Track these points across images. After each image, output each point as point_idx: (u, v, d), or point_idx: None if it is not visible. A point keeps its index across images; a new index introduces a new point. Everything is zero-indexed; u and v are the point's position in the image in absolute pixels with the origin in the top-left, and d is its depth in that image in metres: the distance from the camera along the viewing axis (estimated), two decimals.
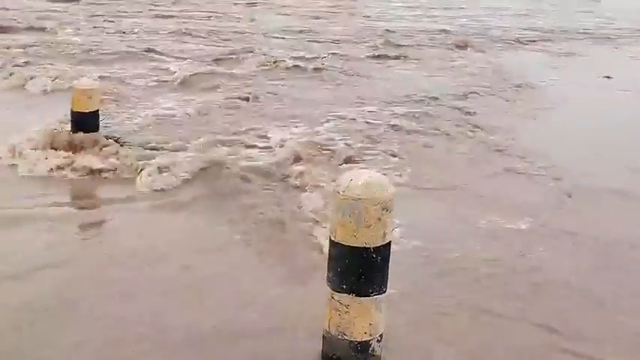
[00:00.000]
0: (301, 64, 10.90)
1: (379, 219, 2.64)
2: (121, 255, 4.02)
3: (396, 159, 6.22)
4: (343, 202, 2.67)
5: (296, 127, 7.12)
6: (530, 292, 3.78)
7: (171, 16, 16.41)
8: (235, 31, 14.54)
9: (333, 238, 2.74)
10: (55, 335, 3.09)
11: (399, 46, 13.34)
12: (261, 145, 6.44)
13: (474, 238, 4.48)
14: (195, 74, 9.80)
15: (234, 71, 10.24)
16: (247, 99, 8.44)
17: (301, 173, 5.49)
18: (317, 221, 4.51)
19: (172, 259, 3.99)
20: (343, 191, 2.67)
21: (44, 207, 4.76)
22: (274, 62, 10.94)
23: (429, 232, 4.52)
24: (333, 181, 3.54)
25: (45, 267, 3.78)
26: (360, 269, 2.70)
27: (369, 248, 2.67)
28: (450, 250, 4.25)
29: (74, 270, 3.79)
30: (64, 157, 5.53)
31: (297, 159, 5.90)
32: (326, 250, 2.92)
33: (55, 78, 8.90)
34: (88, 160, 5.49)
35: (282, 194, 5.15)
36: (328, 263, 2.81)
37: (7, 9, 15.96)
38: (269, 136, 6.71)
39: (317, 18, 17.62)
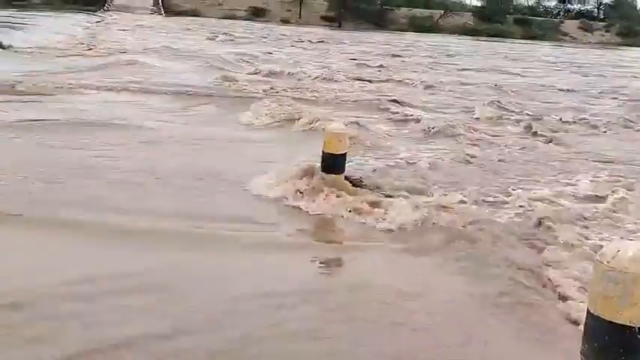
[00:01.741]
0: None
1: None
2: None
3: None
4: (607, 273, 2.50)
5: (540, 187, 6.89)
6: None
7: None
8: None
9: (592, 311, 2.58)
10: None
11: None
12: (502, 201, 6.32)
13: None
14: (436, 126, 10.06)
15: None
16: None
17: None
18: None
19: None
20: (608, 262, 2.51)
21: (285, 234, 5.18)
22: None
23: None
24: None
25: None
26: (621, 349, 2.50)
27: (634, 328, 2.47)
28: None
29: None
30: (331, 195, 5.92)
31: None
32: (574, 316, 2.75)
33: (315, 121, 9.70)
34: (335, 198, 5.84)
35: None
36: (584, 336, 2.65)
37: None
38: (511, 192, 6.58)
39: None
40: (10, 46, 18.89)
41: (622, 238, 5.21)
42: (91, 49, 20.76)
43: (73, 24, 32.49)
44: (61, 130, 8.25)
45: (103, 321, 3.51)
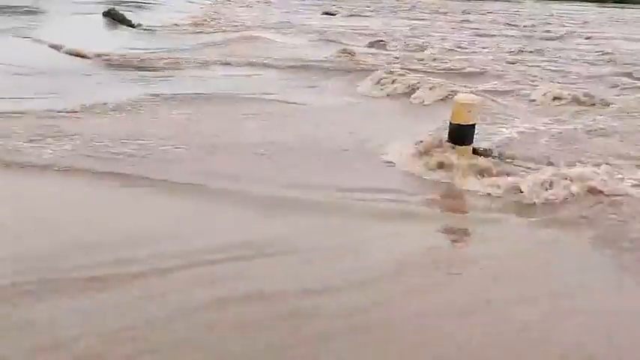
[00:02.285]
0: None
1: None
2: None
3: None
4: None
5: None
6: None
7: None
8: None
9: None
10: None
11: None
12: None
13: None
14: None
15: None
16: None
17: None
18: None
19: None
20: None
21: (421, 206, 5.25)
22: None
23: None
24: None
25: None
26: None
27: None
28: None
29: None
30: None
31: None
32: None
33: (428, 89, 9.67)
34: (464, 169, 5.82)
35: None
36: None
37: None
38: None
39: None
40: (139, 25, 19.95)
41: None
42: (212, 25, 21.53)
43: (194, 1, 33.67)
44: (199, 103, 8.70)
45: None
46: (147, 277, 3.74)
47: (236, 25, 21.62)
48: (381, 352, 3.16)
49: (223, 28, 20.78)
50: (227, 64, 12.74)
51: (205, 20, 23.45)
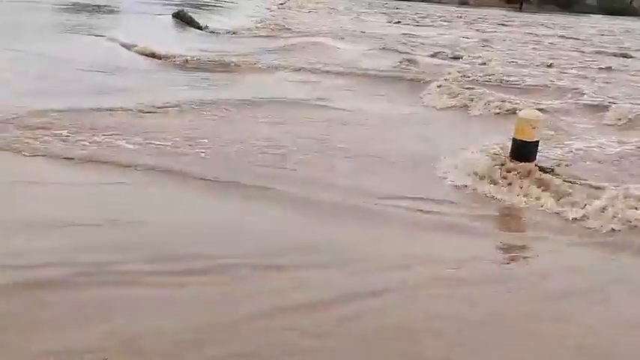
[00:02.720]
0: None
1: None
2: None
3: None
4: None
5: None
6: None
7: None
8: None
9: None
10: None
11: None
12: None
13: None
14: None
15: None
16: None
17: None
18: None
19: None
20: None
21: (469, 218, 5.23)
22: None
23: None
24: None
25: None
26: None
27: None
28: None
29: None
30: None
31: None
32: None
33: (489, 103, 9.58)
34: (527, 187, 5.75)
35: None
36: None
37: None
38: None
39: None
40: (206, 27, 20.40)
41: None
42: (277, 30, 21.82)
43: (263, 6, 34.19)
44: (252, 107, 8.86)
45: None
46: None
47: (300, 30, 21.86)
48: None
49: (288, 33, 21.04)
50: (287, 68, 12.91)
51: (271, 25, 23.78)
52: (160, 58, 12.97)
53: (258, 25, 23.52)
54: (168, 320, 3.36)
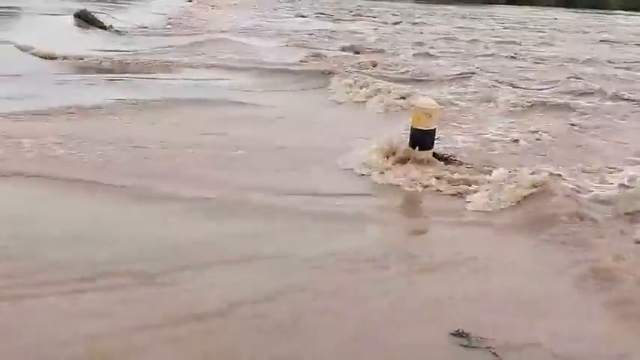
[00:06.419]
0: None
1: None
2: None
3: None
4: None
5: None
6: None
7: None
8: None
9: None
10: None
11: None
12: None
13: None
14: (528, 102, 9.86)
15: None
16: None
17: None
18: None
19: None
20: None
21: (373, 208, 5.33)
22: None
23: None
24: None
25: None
26: None
27: None
28: None
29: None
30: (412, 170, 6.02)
31: None
32: None
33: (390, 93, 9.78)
34: (423, 174, 5.90)
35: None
36: None
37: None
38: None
39: None
40: (110, 27, 19.77)
41: None
42: (183, 28, 21.44)
43: (168, 4, 33.50)
44: (158, 107, 8.63)
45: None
46: None
47: (207, 27, 21.56)
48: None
49: (194, 30, 20.71)
50: (194, 65, 12.72)
51: (176, 22, 23.34)
52: (55, 59, 12.45)
53: (167, 22, 23.06)
54: None
